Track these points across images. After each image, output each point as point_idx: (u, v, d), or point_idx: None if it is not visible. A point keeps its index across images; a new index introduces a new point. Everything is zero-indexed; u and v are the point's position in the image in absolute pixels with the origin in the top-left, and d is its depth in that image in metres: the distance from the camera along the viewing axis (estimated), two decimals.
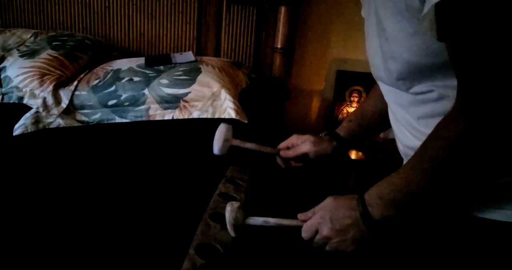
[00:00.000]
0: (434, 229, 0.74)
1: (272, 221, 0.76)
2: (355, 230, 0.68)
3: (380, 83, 0.79)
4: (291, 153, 0.96)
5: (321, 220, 0.71)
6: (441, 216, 0.72)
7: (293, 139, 0.97)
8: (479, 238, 0.68)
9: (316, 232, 0.72)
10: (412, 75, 0.66)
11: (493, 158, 0.60)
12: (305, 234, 0.74)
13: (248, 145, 0.96)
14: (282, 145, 0.98)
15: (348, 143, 0.97)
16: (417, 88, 0.67)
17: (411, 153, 0.66)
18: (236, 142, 0.94)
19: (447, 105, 0.63)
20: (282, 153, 0.97)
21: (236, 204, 0.76)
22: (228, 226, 0.76)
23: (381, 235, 0.68)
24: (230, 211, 0.75)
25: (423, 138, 0.63)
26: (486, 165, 0.62)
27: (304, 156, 0.95)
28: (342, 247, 0.70)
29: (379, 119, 0.93)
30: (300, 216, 0.76)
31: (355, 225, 0.68)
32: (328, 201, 0.73)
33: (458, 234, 0.70)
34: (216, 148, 0.93)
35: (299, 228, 0.75)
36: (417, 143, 0.66)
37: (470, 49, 0.53)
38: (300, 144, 0.95)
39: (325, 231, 0.70)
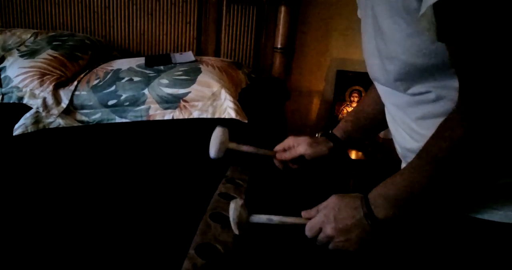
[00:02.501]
0: (431, 230, 0.75)
1: (275, 218, 0.76)
2: (358, 229, 0.68)
3: (377, 84, 0.79)
4: (287, 155, 0.96)
5: (325, 218, 0.71)
6: (439, 216, 0.72)
7: (289, 141, 0.97)
8: (476, 238, 0.68)
9: (320, 230, 0.72)
10: (409, 76, 0.66)
11: (495, 158, 0.60)
12: (308, 232, 0.74)
13: (245, 148, 0.95)
14: (278, 147, 0.98)
15: (345, 144, 0.96)
16: (415, 89, 0.67)
17: (409, 155, 0.66)
18: (233, 145, 0.94)
19: (445, 106, 0.63)
20: (278, 155, 0.97)
21: (240, 202, 0.76)
22: (232, 224, 0.76)
23: (384, 235, 0.68)
24: (234, 208, 0.75)
25: (421, 139, 0.63)
26: (488, 165, 0.62)
27: (301, 157, 0.95)
28: (345, 246, 0.70)
29: (376, 119, 0.93)
30: (304, 213, 0.76)
31: (358, 225, 0.68)
32: (332, 200, 0.73)
33: (455, 234, 0.70)
34: (212, 152, 0.92)
35: (302, 226, 0.75)
36: (415, 145, 0.66)
37: (471, 49, 0.53)
38: (296, 146, 0.95)
39: (328, 230, 0.70)
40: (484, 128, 0.55)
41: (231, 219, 0.75)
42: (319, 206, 0.74)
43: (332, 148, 0.95)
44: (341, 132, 0.97)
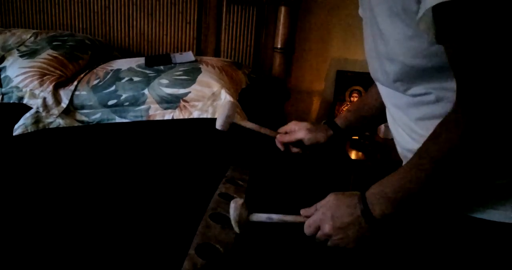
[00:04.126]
0: (430, 229, 0.75)
1: (275, 217, 0.78)
2: (355, 227, 0.69)
3: (378, 85, 0.79)
4: (286, 138, 0.99)
5: (323, 216, 0.72)
6: (437, 216, 0.72)
7: (292, 125, 1.00)
8: (474, 238, 0.68)
9: (318, 228, 0.73)
10: (409, 77, 0.66)
11: (492, 159, 0.60)
12: (307, 230, 0.75)
13: (250, 125, 0.99)
14: (281, 129, 1.02)
15: (345, 132, 0.98)
16: (415, 90, 0.67)
17: (409, 155, 0.66)
18: (239, 119, 0.98)
19: (445, 107, 0.63)
20: (278, 137, 1.00)
21: (240, 201, 0.77)
22: (233, 223, 0.77)
23: (382, 233, 0.68)
24: (234, 207, 0.76)
25: (421, 140, 0.63)
26: (486, 166, 0.62)
27: (300, 142, 0.97)
28: (343, 244, 0.71)
29: (378, 111, 0.94)
30: (303, 212, 0.77)
31: (355, 223, 0.68)
32: (330, 198, 0.73)
33: (454, 234, 0.70)
34: (218, 123, 0.96)
35: (302, 224, 0.76)
36: (415, 145, 0.66)
37: (469, 51, 0.53)
38: (297, 130, 0.98)
39: (326, 228, 0.71)
40: (481, 129, 0.56)
41: (231, 218, 0.76)
42: (317, 204, 0.75)
43: (331, 136, 0.97)
44: (342, 121, 0.99)
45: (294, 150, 1.00)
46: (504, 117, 0.54)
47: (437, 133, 0.60)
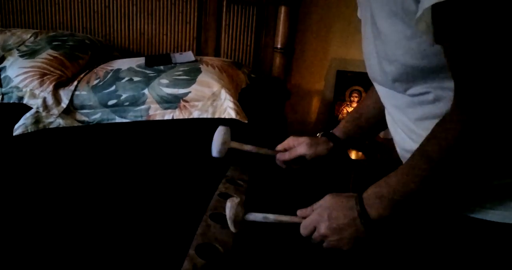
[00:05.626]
0: (429, 229, 0.75)
1: (271, 217, 0.78)
2: (352, 229, 0.68)
3: (376, 85, 0.79)
4: (287, 156, 0.96)
5: (319, 217, 0.72)
6: (436, 216, 0.72)
7: (290, 141, 0.97)
8: (473, 238, 0.68)
9: (314, 229, 0.73)
10: (408, 77, 0.66)
11: (490, 159, 0.60)
12: (303, 231, 0.74)
13: (247, 147, 0.96)
14: (280, 147, 0.99)
15: (345, 143, 0.97)
16: (414, 90, 0.67)
17: (408, 155, 0.66)
18: (235, 144, 0.95)
19: (444, 107, 0.63)
20: (278, 156, 0.98)
21: (236, 200, 0.77)
22: (229, 221, 0.77)
23: (378, 234, 0.68)
24: (230, 206, 0.76)
25: (420, 140, 0.63)
26: (483, 166, 0.62)
27: (301, 158, 0.95)
28: (339, 245, 0.71)
29: (377, 119, 0.93)
30: (299, 212, 0.77)
31: (352, 224, 0.68)
32: (327, 199, 0.73)
33: (453, 234, 0.70)
34: (215, 151, 0.93)
35: (298, 225, 0.76)
36: (414, 146, 0.66)
37: (467, 51, 0.53)
38: (297, 146, 0.95)
39: (322, 229, 0.71)
40: (479, 129, 0.56)
41: (227, 216, 0.76)
42: (314, 205, 0.75)
43: (332, 148, 0.95)
44: (341, 132, 0.97)
45: (295, 166, 0.98)
46: (502, 117, 0.54)
47: (435, 134, 0.60)
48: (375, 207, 0.67)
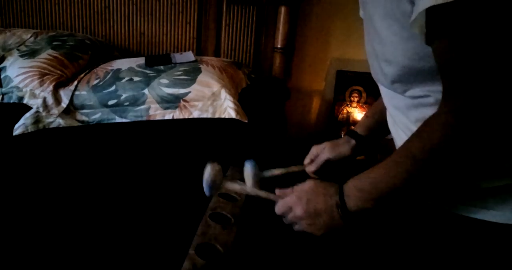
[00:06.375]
0: (420, 228, 0.75)
1: (248, 189, 0.79)
2: (327, 215, 0.69)
3: (379, 86, 0.79)
4: (314, 166, 0.99)
5: (297, 200, 0.72)
6: (427, 214, 0.72)
7: (313, 150, 1.00)
8: (466, 237, 0.68)
9: (290, 210, 0.73)
10: (406, 79, 0.66)
11: (478, 160, 0.60)
12: (278, 209, 0.75)
13: (275, 172, 0.95)
14: (306, 160, 1.01)
15: (367, 139, 0.97)
16: (413, 92, 0.67)
17: None
18: (268, 173, 0.93)
19: None
20: (307, 169, 1.00)
21: (217, 166, 0.77)
22: (204, 184, 0.77)
23: (354, 226, 0.68)
24: (209, 170, 0.76)
25: None
26: (471, 166, 0.62)
27: (327, 162, 0.97)
28: (311, 230, 0.71)
29: None
30: (278, 191, 0.77)
31: (328, 212, 0.68)
32: (309, 183, 0.73)
33: (445, 233, 0.70)
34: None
35: (273, 202, 0.76)
36: None
37: (456, 51, 0.54)
38: (320, 153, 0.98)
39: (298, 210, 0.71)
40: (466, 130, 0.55)
41: (204, 179, 0.76)
42: (295, 187, 0.75)
43: (355, 146, 0.97)
44: (362, 128, 0.98)
45: (327, 172, 1.00)
46: (489, 117, 0.54)
47: (420, 132, 0.60)
48: (354, 199, 0.67)
